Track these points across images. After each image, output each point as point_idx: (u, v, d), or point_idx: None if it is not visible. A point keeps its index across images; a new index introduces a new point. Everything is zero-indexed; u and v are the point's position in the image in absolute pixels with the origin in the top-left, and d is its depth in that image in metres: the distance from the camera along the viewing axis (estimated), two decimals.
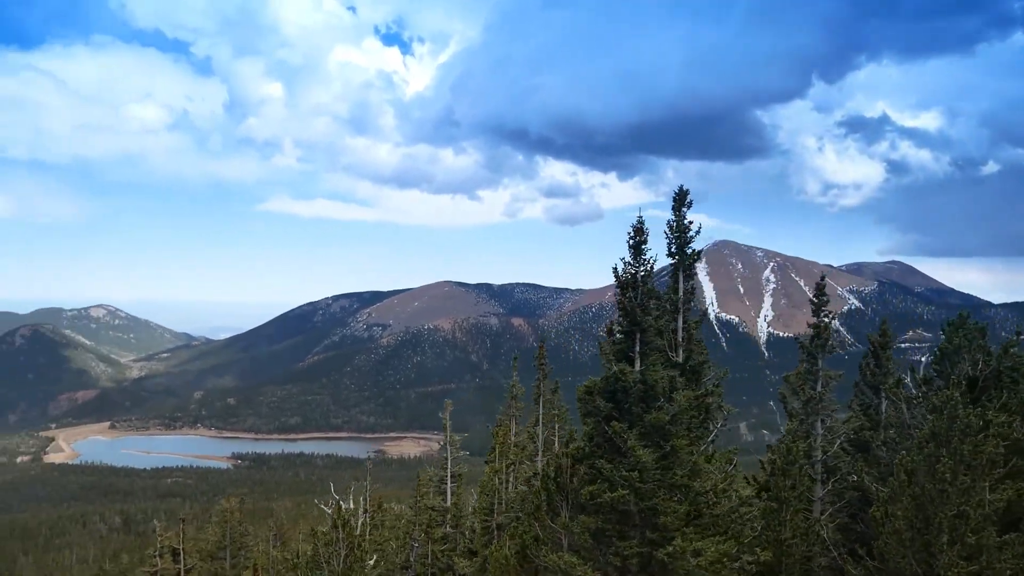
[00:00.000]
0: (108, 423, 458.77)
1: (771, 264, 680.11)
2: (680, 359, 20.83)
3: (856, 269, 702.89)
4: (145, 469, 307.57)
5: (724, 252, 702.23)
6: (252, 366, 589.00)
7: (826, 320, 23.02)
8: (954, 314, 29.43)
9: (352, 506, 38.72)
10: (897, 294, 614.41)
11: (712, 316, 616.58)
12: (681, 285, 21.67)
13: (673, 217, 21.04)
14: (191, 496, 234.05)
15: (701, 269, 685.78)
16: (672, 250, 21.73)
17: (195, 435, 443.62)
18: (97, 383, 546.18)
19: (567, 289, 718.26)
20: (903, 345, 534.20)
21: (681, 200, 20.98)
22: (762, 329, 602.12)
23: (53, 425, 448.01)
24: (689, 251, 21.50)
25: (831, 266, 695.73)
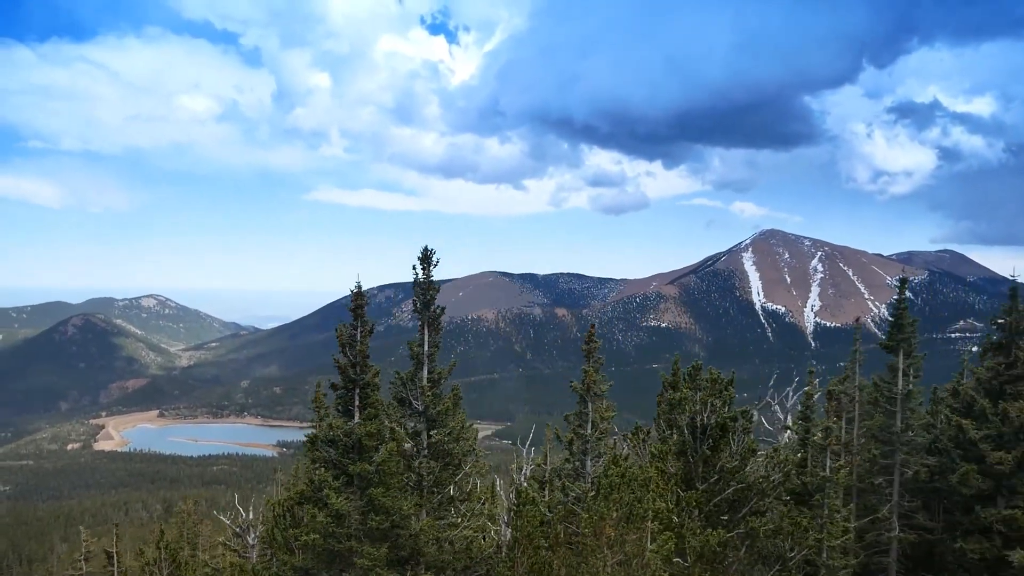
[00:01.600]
0: (157, 411, 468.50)
1: (818, 253, 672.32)
2: (420, 408, 22.62)
3: (906, 258, 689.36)
4: (192, 457, 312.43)
5: (771, 242, 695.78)
6: (298, 355, 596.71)
7: (594, 367, 24.26)
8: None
9: (251, 516, 40.75)
10: (948, 283, 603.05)
11: (758, 306, 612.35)
12: (426, 339, 23.34)
13: (421, 275, 22.70)
14: (236, 484, 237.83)
15: (748, 259, 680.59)
16: (417, 307, 23.42)
17: (242, 424, 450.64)
18: (147, 372, 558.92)
19: (611, 279, 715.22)
20: (954, 335, 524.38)
21: (427, 259, 22.65)
22: (809, 319, 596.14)
23: (103, 413, 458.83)
24: (433, 307, 23.16)
25: (880, 255, 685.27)
